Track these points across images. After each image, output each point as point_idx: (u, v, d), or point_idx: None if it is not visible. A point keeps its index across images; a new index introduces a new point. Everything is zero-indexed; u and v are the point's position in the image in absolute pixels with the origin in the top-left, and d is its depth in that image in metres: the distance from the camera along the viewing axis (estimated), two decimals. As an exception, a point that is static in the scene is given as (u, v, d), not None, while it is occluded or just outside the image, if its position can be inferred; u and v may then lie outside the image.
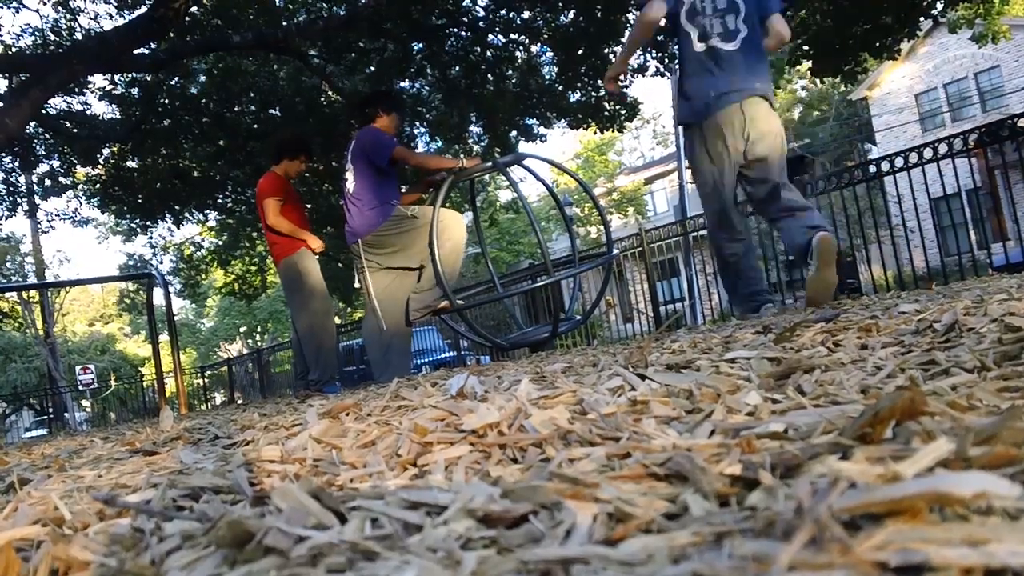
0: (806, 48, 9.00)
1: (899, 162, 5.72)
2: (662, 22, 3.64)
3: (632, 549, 0.52)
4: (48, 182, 11.92)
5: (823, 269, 3.13)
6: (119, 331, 38.40)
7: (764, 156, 3.43)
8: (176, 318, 7.26)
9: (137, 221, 13.02)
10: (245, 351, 30.13)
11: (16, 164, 11.08)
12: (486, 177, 9.76)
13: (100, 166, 11.05)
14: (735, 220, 3.57)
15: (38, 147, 10.90)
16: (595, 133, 10.95)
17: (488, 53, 9.90)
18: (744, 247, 3.59)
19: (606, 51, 9.35)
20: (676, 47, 3.59)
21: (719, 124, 3.40)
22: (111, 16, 10.39)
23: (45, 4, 9.94)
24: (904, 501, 0.48)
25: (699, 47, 3.42)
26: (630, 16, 9.09)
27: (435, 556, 0.54)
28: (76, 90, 10.24)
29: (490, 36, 9.85)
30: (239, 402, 12.64)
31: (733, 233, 3.57)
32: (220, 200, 12.30)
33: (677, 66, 3.65)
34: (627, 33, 3.76)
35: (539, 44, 10.12)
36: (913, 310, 1.96)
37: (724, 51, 3.41)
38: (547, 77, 10.54)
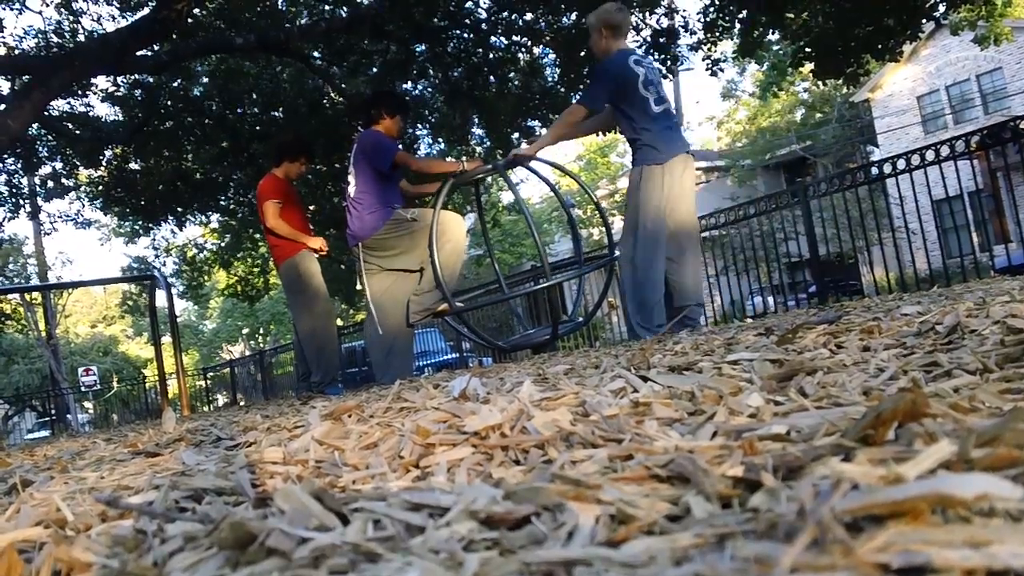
0: (808, 50, 8.98)
1: (901, 164, 5.72)
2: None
3: (634, 551, 0.52)
4: (51, 184, 11.94)
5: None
6: (121, 333, 38.45)
7: (689, 201, 4.18)
8: (178, 320, 7.27)
9: (139, 223, 13.03)
10: (247, 353, 30.14)
11: (19, 166, 11.10)
12: (488, 179, 9.76)
13: (102, 168, 11.06)
14: (665, 246, 4.09)
15: (41, 149, 10.92)
16: (597, 135, 10.95)
17: (490, 55, 9.90)
18: (663, 269, 4.11)
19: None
20: (623, 108, 4.17)
21: (677, 167, 4.06)
22: (114, 18, 10.41)
23: (48, 6, 9.97)
24: (906, 503, 0.48)
25: (656, 109, 4.09)
26: (633, 17, 9.09)
27: (437, 557, 0.54)
28: (79, 92, 10.25)
29: (492, 38, 9.86)
30: (241, 404, 12.64)
31: (662, 257, 4.07)
32: (222, 202, 12.31)
33: (630, 120, 4.18)
34: (561, 120, 4.37)
35: (541, 46, 10.12)
36: (915, 312, 1.96)
37: (670, 111, 4.19)
38: (549, 79, 10.53)
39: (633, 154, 4.22)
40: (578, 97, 4.45)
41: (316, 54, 9.86)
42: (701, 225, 7.50)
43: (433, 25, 9.15)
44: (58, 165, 11.50)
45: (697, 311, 4.22)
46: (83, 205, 13.22)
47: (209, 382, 17.70)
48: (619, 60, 4.14)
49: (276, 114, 10.71)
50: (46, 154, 11.12)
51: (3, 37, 9.54)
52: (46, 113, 8.86)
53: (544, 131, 8.18)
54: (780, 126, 30.77)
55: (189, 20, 8.18)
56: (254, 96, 10.48)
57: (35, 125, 9.24)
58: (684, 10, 19.53)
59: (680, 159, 4.08)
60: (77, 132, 10.30)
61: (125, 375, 29.36)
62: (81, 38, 9.86)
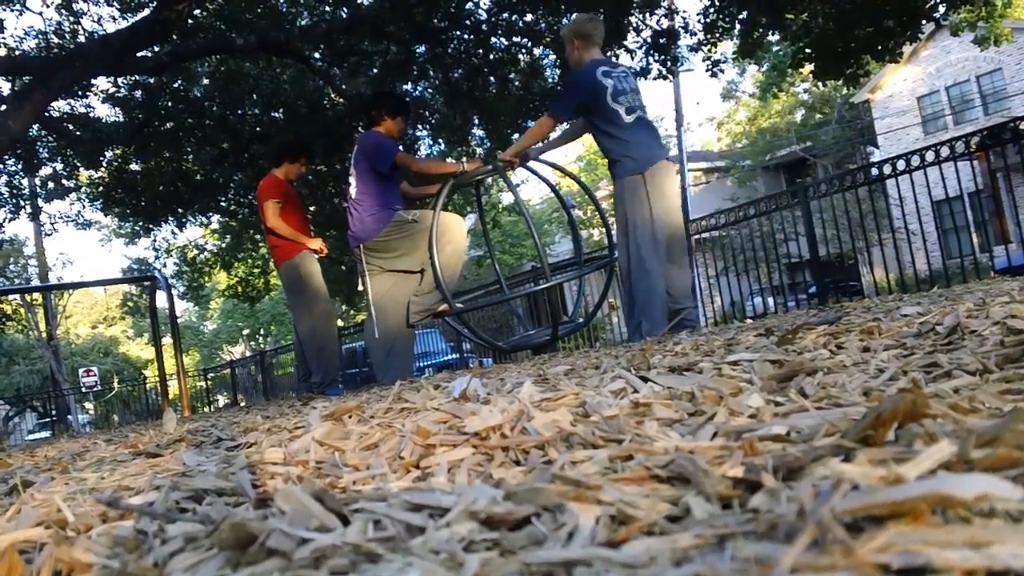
0: (808, 51, 8.99)
1: (901, 165, 5.72)
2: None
3: (634, 551, 0.52)
4: (51, 185, 11.93)
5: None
6: (122, 334, 38.45)
7: (675, 206, 4.20)
8: (179, 320, 7.27)
9: (140, 224, 13.03)
10: (248, 353, 30.13)
11: (19, 167, 11.10)
12: (488, 180, 9.77)
13: (103, 169, 11.05)
14: (661, 252, 4.03)
15: (41, 150, 10.91)
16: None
17: (491, 56, 9.90)
18: (661, 275, 4.10)
19: (607, 54, 9.35)
20: (596, 116, 4.21)
21: (658, 173, 4.07)
22: (114, 19, 10.42)
23: (48, 7, 9.97)
24: (906, 503, 0.48)
25: (628, 119, 4.09)
26: (632, 19, 9.09)
27: (438, 558, 0.54)
28: (79, 93, 10.25)
29: (493, 39, 9.85)
30: (242, 404, 12.64)
31: (659, 263, 4.06)
32: (223, 203, 12.31)
33: (607, 130, 4.19)
34: (530, 130, 4.53)
35: (541, 47, 10.12)
36: (915, 312, 1.96)
37: (645, 119, 4.19)
38: (549, 80, 10.53)
39: (612, 168, 4.23)
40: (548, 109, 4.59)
41: (316, 55, 9.86)
42: (701, 226, 7.52)
43: (433, 26, 9.14)
44: (58, 166, 11.49)
45: (693, 312, 4.23)
46: (84, 206, 13.21)
47: (210, 383, 17.69)
48: (587, 72, 4.14)
49: (276, 115, 10.70)
50: (46, 155, 11.11)
51: (3, 38, 9.53)
52: (46, 114, 8.86)
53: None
54: (780, 127, 30.77)
55: (189, 21, 8.18)
56: (254, 97, 10.48)
57: (35, 126, 9.24)
58: (684, 11, 19.53)
59: (660, 166, 4.09)
60: (77, 133, 10.30)
61: (126, 376, 29.37)
62: (81, 39, 9.85)
